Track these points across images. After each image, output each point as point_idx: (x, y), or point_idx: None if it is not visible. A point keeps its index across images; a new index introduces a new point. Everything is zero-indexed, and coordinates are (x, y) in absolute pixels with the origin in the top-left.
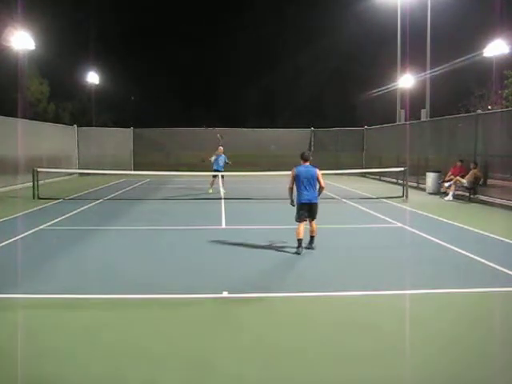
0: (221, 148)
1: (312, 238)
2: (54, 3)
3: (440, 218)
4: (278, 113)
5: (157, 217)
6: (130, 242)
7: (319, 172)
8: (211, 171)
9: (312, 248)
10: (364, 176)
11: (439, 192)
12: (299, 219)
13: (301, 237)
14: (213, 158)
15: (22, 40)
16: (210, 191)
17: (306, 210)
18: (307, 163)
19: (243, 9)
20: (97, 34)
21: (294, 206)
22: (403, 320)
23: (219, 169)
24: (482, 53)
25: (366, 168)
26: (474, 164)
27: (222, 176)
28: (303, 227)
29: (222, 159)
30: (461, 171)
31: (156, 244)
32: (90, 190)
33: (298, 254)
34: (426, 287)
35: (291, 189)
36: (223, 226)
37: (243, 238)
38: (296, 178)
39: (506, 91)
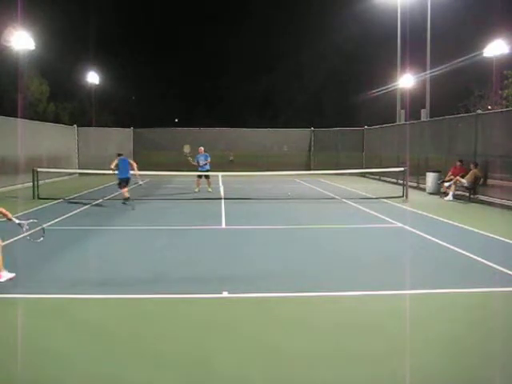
0: (201, 148)
1: (127, 198)
2: (54, 3)
3: (440, 218)
4: (278, 113)
5: (157, 217)
6: (129, 242)
7: (130, 160)
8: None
9: (130, 207)
10: (364, 176)
11: (439, 192)
12: (120, 187)
13: (128, 196)
14: (197, 159)
15: (22, 40)
16: (209, 190)
17: (124, 182)
18: (122, 156)
19: (244, 8)
20: (97, 34)
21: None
22: (403, 320)
23: (200, 169)
24: (482, 53)
25: (366, 168)
26: (474, 164)
27: (207, 176)
28: (126, 190)
29: (202, 158)
30: (461, 171)
31: (156, 244)
32: (90, 190)
33: (131, 207)
34: (426, 287)
35: (113, 169)
36: (223, 226)
37: (243, 238)
38: (119, 165)
39: (506, 91)
